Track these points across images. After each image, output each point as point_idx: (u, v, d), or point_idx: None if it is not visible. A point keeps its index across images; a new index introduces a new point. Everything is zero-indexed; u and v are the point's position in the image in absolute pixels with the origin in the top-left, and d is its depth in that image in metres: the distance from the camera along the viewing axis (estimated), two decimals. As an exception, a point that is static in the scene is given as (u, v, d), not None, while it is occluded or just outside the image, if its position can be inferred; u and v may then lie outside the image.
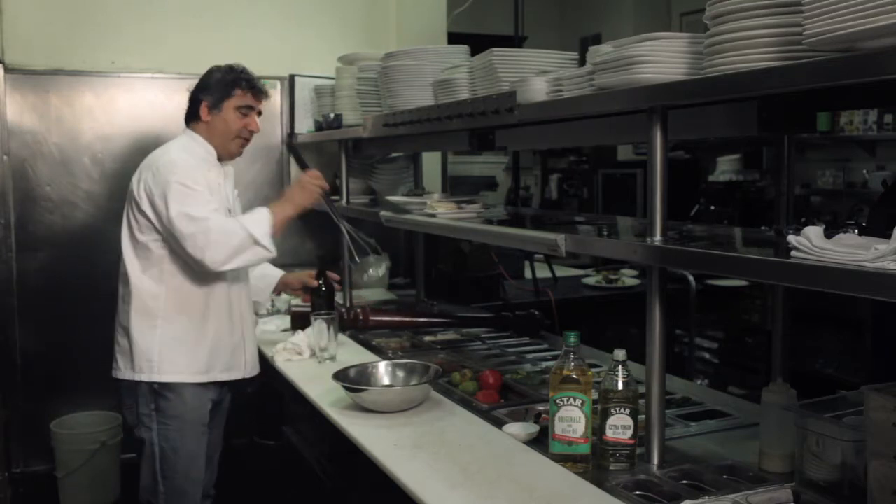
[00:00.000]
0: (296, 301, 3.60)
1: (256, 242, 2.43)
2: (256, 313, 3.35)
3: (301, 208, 2.64)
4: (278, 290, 3.09)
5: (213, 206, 2.47)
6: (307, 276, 3.06)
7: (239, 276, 2.67)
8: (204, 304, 2.56)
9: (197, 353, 2.55)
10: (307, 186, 2.65)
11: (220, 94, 2.62)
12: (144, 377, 2.51)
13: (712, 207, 6.04)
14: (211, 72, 2.68)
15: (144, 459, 2.55)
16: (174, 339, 2.52)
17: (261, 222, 2.47)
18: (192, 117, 2.67)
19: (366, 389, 2.28)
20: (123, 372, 2.56)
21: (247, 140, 2.70)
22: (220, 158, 2.67)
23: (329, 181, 4.10)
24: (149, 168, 2.52)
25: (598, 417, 1.78)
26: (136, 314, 2.53)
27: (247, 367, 2.69)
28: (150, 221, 2.47)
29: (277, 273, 3.09)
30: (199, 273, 2.50)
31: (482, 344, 3.05)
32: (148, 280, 2.51)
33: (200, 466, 2.57)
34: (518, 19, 4.95)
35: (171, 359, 2.52)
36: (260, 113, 2.71)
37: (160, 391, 2.51)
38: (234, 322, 2.63)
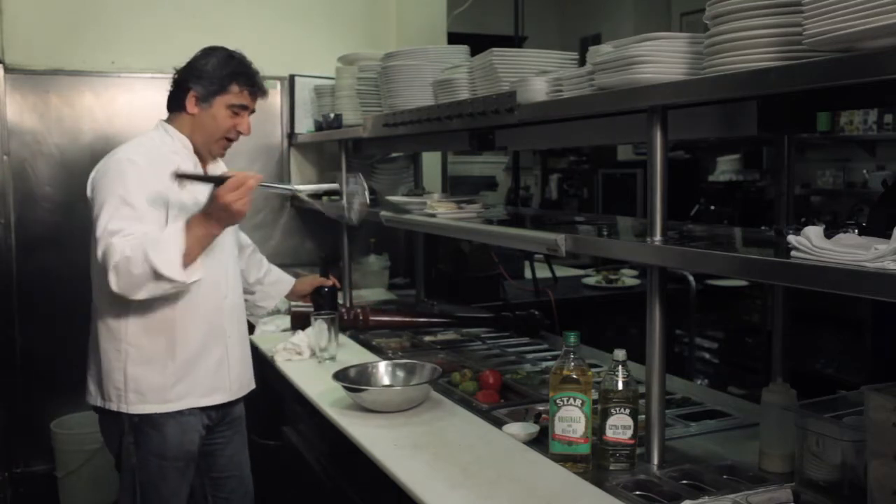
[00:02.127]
0: (296, 301, 3.61)
1: (159, 277, 2.06)
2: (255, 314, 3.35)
3: (227, 224, 2.21)
4: (290, 297, 2.98)
5: (143, 225, 2.11)
6: (318, 281, 2.96)
7: (219, 286, 2.37)
8: (172, 323, 2.25)
9: (167, 379, 2.25)
10: (233, 205, 2.11)
11: (212, 86, 2.30)
12: (114, 407, 2.25)
13: (712, 207, 6.04)
14: (205, 55, 2.34)
15: (123, 491, 2.32)
16: (141, 364, 2.23)
17: (167, 250, 2.07)
18: (175, 106, 2.35)
19: (366, 389, 2.28)
20: (95, 398, 2.32)
21: (231, 141, 2.40)
22: (199, 156, 2.38)
23: (329, 181, 4.12)
24: (97, 169, 2.26)
25: (598, 417, 1.78)
26: (101, 336, 2.26)
27: (233, 388, 2.41)
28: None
29: (290, 280, 2.95)
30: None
31: (482, 344, 3.05)
32: (108, 297, 2.16)
33: (183, 500, 2.34)
34: (518, 19, 4.95)
35: (139, 388, 2.23)
36: (253, 111, 2.42)
37: (139, 424, 2.25)
38: (211, 340, 2.34)
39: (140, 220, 2.13)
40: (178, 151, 2.33)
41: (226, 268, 2.43)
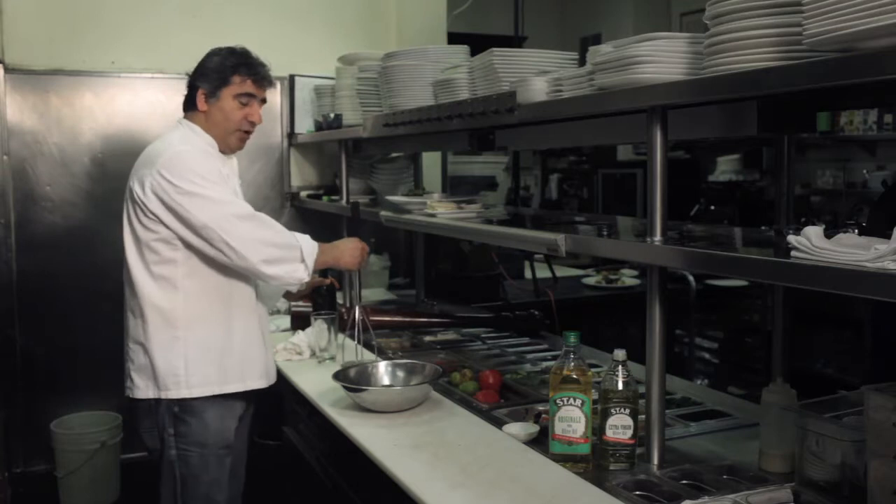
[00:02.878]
0: (295, 301, 3.61)
1: (302, 259, 2.33)
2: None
3: (338, 266, 2.58)
4: (289, 297, 2.99)
5: (241, 200, 2.37)
6: (316, 281, 2.93)
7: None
8: (227, 308, 2.35)
9: (228, 363, 2.34)
10: (356, 256, 2.55)
11: (217, 81, 2.39)
12: (172, 394, 2.29)
13: (712, 207, 6.04)
14: (209, 56, 2.44)
15: (164, 482, 2.35)
16: (200, 349, 2.31)
17: (311, 247, 2.37)
18: (189, 106, 2.45)
19: (366, 389, 2.28)
20: (143, 391, 2.33)
21: (247, 133, 2.49)
22: (221, 152, 2.48)
23: (329, 182, 4.14)
24: (152, 164, 2.27)
25: (598, 417, 1.78)
26: (152, 328, 2.30)
27: (270, 375, 2.50)
28: (163, 223, 2.25)
29: None
30: (217, 276, 2.32)
31: (482, 344, 3.05)
32: (160, 288, 2.29)
33: (224, 489, 2.39)
34: (518, 19, 4.95)
35: (200, 371, 2.30)
36: (264, 101, 2.50)
37: (180, 414, 2.31)
38: (261, 325, 2.47)
39: (235, 197, 2.37)
40: (205, 147, 2.41)
41: None
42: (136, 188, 2.28)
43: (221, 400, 2.35)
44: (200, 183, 2.25)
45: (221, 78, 2.39)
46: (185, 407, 2.31)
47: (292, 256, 2.33)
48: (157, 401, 2.31)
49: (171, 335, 2.30)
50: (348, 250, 2.54)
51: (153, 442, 2.37)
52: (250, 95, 2.42)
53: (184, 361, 2.29)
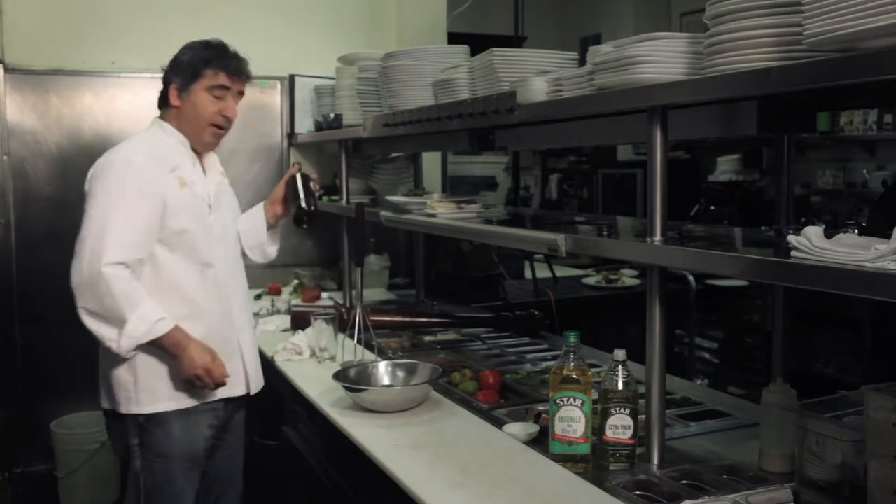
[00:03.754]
0: (296, 301, 3.61)
1: (121, 332, 2.12)
2: (257, 313, 3.35)
3: (179, 362, 2.20)
4: (270, 214, 2.63)
5: (129, 249, 2.14)
6: (286, 177, 2.65)
7: (231, 276, 2.38)
8: (185, 315, 2.23)
9: (177, 376, 2.23)
10: (199, 372, 2.20)
11: (189, 74, 2.30)
12: (123, 409, 2.23)
13: (712, 207, 6.04)
14: (183, 50, 2.35)
15: (129, 493, 2.30)
16: (153, 361, 2.21)
17: (144, 326, 2.13)
18: (162, 103, 2.37)
19: (366, 389, 2.28)
20: (104, 402, 2.29)
21: (221, 128, 2.35)
22: (196, 150, 2.37)
23: (329, 181, 4.13)
24: (95, 166, 2.25)
25: (598, 417, 1.78)
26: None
27: (250, 382, 2.41)
28: None
29: (259, 206, 2.66)
30: (178, 279, 2.24)
31: (482, 344, 3.05)
32: None
33: (189, 502, 2.32)
34: (518, 19, 4.95)
35: (151, 387, 2.21)
36: (241, 95, 2.39)
37: (145, 424, 2.23)
38: (227, 330, 2.34)
39: (134, 247, 2.16)
40: (175, 148, 2.32)
41: (233, 262, 2.44)
42: (85, 189, 2.26)
43: (189, 411, 2.27)
44: (114, 202, 2.16)
45: (193, 71, 2.30)
46: (150, 417, 2.23)
47: (114, 320, 2.13)
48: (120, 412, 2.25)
49: None
50: (191, 364, 2.20)
51: (120, 450, 2.32)
52: (224, 88, 2.32)
53: (135, 376, 2.21)
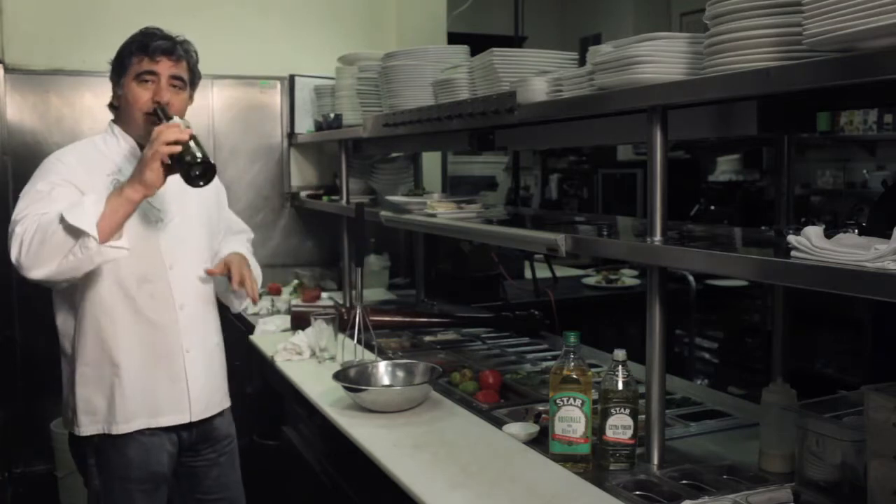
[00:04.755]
0: (296, 301, 3.61)
1: (76, 234, 1.84)
2: (256, 314, 3.35)
3: (152, 187, 1.92)
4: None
5: (53, 204, 1.93)
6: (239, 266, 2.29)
7: (170, 297, 2.15)
8: (115, 341, 2.09)
9: (114, 400, 2.10)
10: (155, 148, 1.90)
11: (118, 69, 2.15)
12: (70, 429, 2.17)
13: (712, 207, 6.04)
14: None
15: None
16: (89, 384, 2.11)
17: (83, 212, 1.87)
18: (111, 106, 2.22)
19: (366, 389, 2.28)
20: (62, 418, 2.25)
21: (157, 117, 2.07)
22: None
23: (329, 182, 4.12)
24: None
25: (598, 417, 1.78)
26: (62, 356, 2.17)
27: (194, 409, 2.20)
28: None
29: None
30: (108, 298, 2.08)
31: (482, 344, 3.05)
32: (62, 314, 2.13)
33: None
34: (518, 19, 4.96)
35: (87, 408, 2.11)
36: (179, 79, 2.15)
37: (100, 445, 2.12)
38: (163, 356, 2.15)
39: (53, 201, 1.95)
40: (125, 153, 2.15)
41: (182, 276, 2.20)
42: None
43: (135, 435, 2.13)
44: (35, 186, 2.03)
45: (121, 65, 2.14)
46: (104, 439, 2.12)
47: (56, 242, 1.86)
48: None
49: (69, 367, 2.14)
50: (141, 165, 1.92)
51: (80, 468, 2.23)
52: (150, 73, 2.11)
53: (75, 397, 2.13)
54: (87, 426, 2.13)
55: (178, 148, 1.92)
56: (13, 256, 1.91)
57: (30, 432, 3.63)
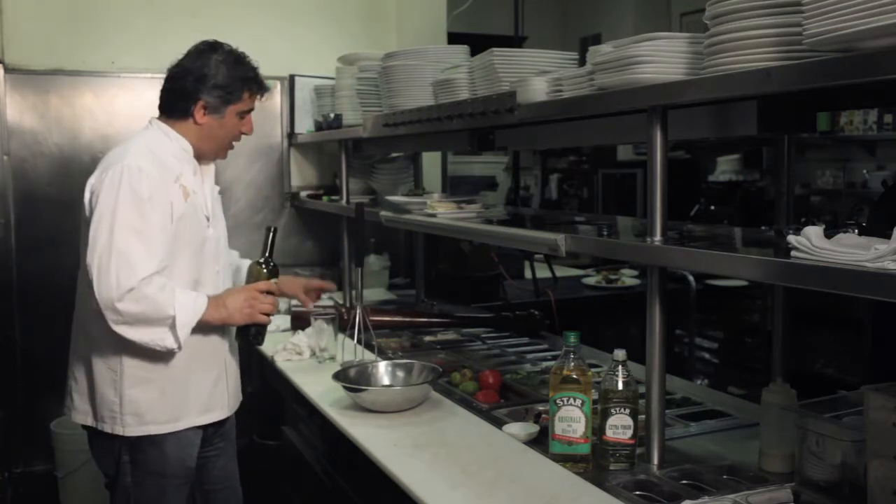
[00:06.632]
0: (295, 301, 3.61)
1: (172, 327, 2.04)
2: None
3: (228, 323, 2.21)
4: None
5: (156, 260, 2.04)
6: (306, 283, 2.62)
7: (218, 292, 2.26)
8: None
9: (165, 399, 2.15)
10: (245, 313, 2.18)
11: (226, 96, 2.19)
12: (108, 429, 2.14)
13: (712, 207, 6.04)
14: (208, 58, 2.19)
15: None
16: (138, 385, 2.13)
17: (190, 310, 2.07)
18: (176, 112, 2.21)
19: (366, 389, 2.28)
20: (83, 417, 2.19)
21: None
22: (198, 158, 2.26)
23: (329, 182, 4.13)
24: (104, 171, 2.10)
25: (598, 417, 1.78)
26: (93, 354, 2.16)
27: (230, 404, 2.34)
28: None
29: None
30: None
31: (482, 344, 3.05)
32: (102, 321, 2.07)
33: None
34: (518, 19, 4.96)
35: (137, 410, 2.13)
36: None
37: (137, 443, 2.14)
38: (209, 353, 2.24)
39: (151, 255, 2.04)
40: (178, 155, 2.21)
41: (222, 276, 2.34)
42: (86, 194, 2.12)
43: (176, 433, 2.19)
44: (128, 215, 2.03)
45: (230, 93, 2.19)
46: (142, 437, 2.15)
47: (160, 321, 2.04)
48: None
49: (107, 366, 2.14)
50: (237, 310, 2.18)
51: (108, 467, 2.21)
52: (251, 111, 2.28)
53: (119, 397, 2.13)
54: (134, 427, 2.15)
55: (269, 320, 2.24)
56: (111, 301, 1.99)
57: (30, 432, 3.63)
